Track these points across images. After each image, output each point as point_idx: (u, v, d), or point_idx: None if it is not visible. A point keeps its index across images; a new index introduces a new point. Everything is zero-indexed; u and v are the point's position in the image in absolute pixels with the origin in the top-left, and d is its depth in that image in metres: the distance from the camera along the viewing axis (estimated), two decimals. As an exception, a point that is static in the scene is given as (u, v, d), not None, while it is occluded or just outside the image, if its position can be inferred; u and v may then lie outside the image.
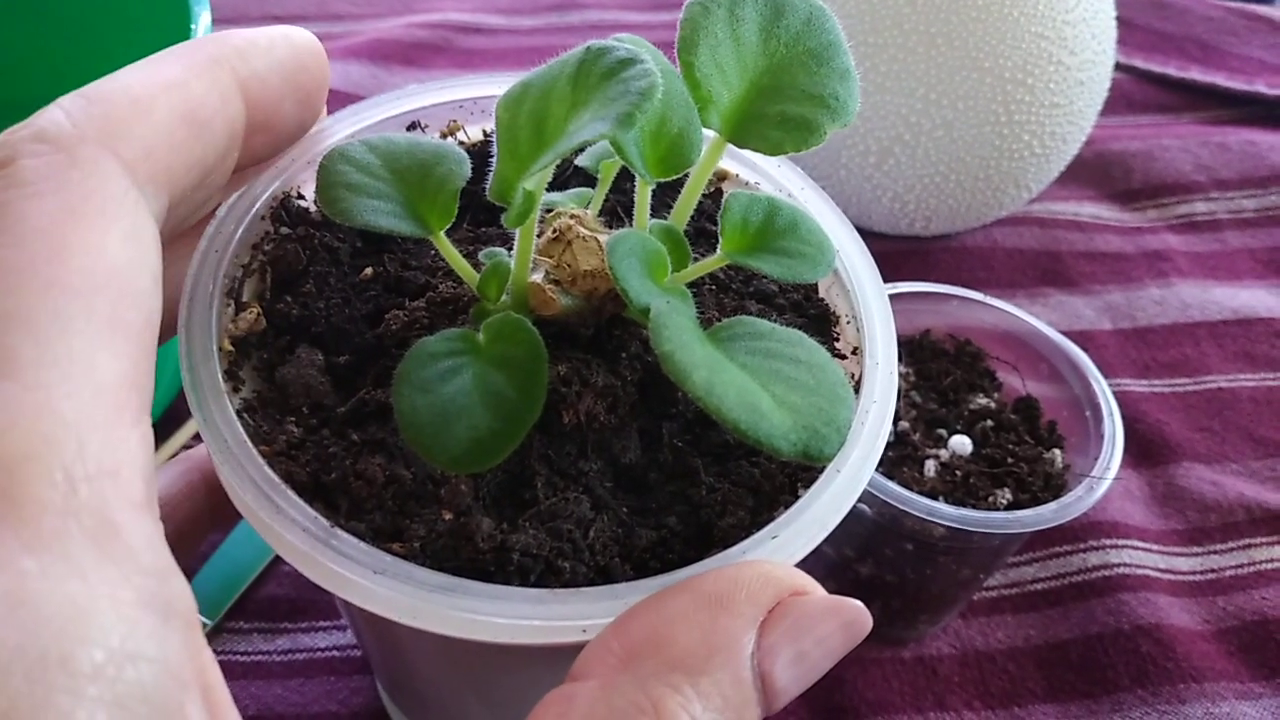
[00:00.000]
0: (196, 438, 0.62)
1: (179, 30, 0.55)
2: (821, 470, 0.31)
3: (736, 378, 0.28)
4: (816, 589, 0.28)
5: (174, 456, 0.61)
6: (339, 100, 0.97)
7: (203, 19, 0.55)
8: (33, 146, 0.24)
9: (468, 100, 0.41)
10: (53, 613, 0.19)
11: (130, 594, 0.21)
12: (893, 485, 0.50)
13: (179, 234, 0.35)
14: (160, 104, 0.27)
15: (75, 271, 0.23)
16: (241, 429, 0.30)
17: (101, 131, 0.25)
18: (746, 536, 0.30)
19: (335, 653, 0.55)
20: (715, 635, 0.26)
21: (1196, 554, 0.64)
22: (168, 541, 0.23)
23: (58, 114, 0.25)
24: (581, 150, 0.34)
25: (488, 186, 0.31)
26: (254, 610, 0.57)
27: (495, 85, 0.41)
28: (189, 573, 0.57)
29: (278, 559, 0.58)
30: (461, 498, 0.30)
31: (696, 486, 0.33)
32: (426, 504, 0.30)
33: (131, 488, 0.22)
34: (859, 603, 0.28)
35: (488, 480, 0.31)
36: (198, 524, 0.41)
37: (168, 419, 0.63)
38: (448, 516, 0.30)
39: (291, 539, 0.28)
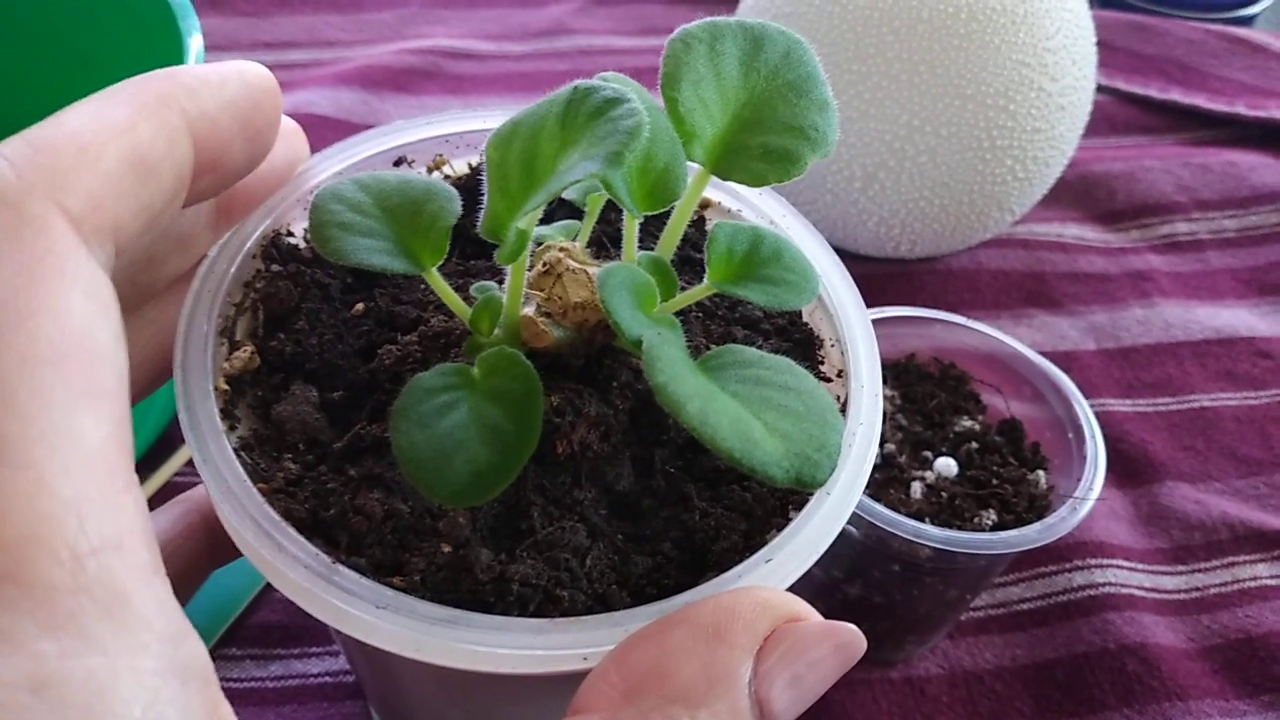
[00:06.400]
0: (188, 465, 0.62)
1: (172, 55, 0.55)
2: (811, 493, 0.32)
3: (729, 407, 0.29)
4: (811, 614, 0.28)
5: (164, 486, 0.61)
6: (329, 125, 0.97)
7: (194, 44, 0.55)
8: None
9: (453, 135, 0.42)
10: (76, 690, 0.19)
11: (150, 662, 0.21)
12: (880, 507, 0.50)
13: (174, 280, 0.36)
14: (109, 151, 0.26)
15: (44, 340, 0.22)
16: (240, 468, 0.30)
17: (48, 183, 0.24)
18: (740, 560, 0.30)
19: (328, 678, 0.55)
20: (714, 666, 0.26)
21: (1181, 573, 0.65)
22: (169, 584, 0.23)
23: (1, 165, 0.24)
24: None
25: (478, 222, 0.31)
26: (247, 637, 0.57)
27: (480, 120, 0.42)
28: (183, 602, 0.57)
29: (270, 585, 0.58)
30: (460, 530, 0.30)
31: (690, 512, 0.33)
32: (425, 537, 0.31)
33: (136, 555, 0.22)
34: (853, 626, 0.28)
35: (485, 512, 0.31)
36: (198, 565, 0.40)
37: (157, 448, 0.63)
38: (447, 549, 0.30)
39: (294, 576, 0.28)
